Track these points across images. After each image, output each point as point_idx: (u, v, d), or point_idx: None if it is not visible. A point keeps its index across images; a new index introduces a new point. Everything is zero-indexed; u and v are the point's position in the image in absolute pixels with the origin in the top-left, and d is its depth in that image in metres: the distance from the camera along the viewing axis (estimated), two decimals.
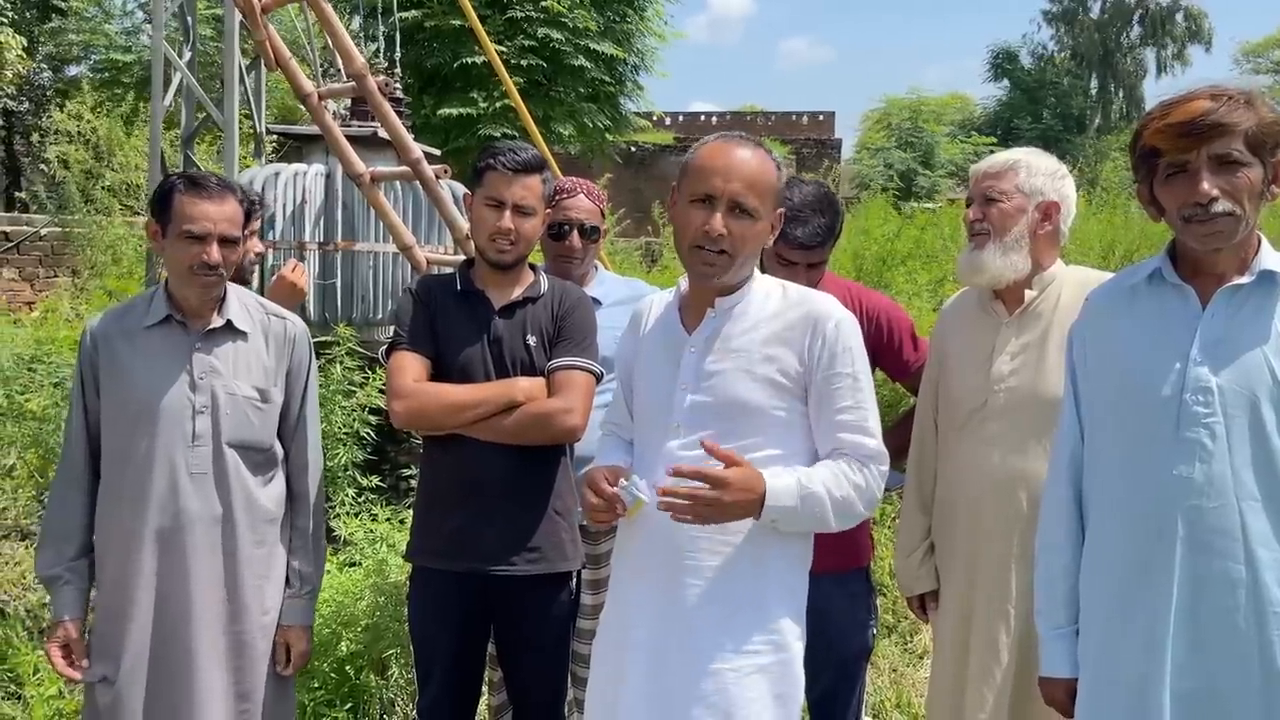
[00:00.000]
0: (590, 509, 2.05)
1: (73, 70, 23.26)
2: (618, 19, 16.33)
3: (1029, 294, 2.42)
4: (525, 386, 2.48)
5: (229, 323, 2.46)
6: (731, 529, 1.96)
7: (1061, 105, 35.50)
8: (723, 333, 2.04)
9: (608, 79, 16.28)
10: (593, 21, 15.52)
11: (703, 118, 34.98)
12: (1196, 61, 37.23)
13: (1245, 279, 1.80)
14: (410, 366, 2.49)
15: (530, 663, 2.60)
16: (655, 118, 24.71)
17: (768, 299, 2.06)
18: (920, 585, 2.63)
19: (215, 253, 2.34)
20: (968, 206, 2.48)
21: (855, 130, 31.35)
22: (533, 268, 2.65)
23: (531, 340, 2.53)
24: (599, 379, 2.57)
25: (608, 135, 17.06)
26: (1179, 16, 37.00)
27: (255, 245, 3.30)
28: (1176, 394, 1.80)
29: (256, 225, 3.28)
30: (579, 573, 2.77)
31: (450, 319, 2.54)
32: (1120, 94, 37.74)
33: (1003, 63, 36.63)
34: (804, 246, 2.67)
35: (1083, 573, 1.96)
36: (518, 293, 2.57)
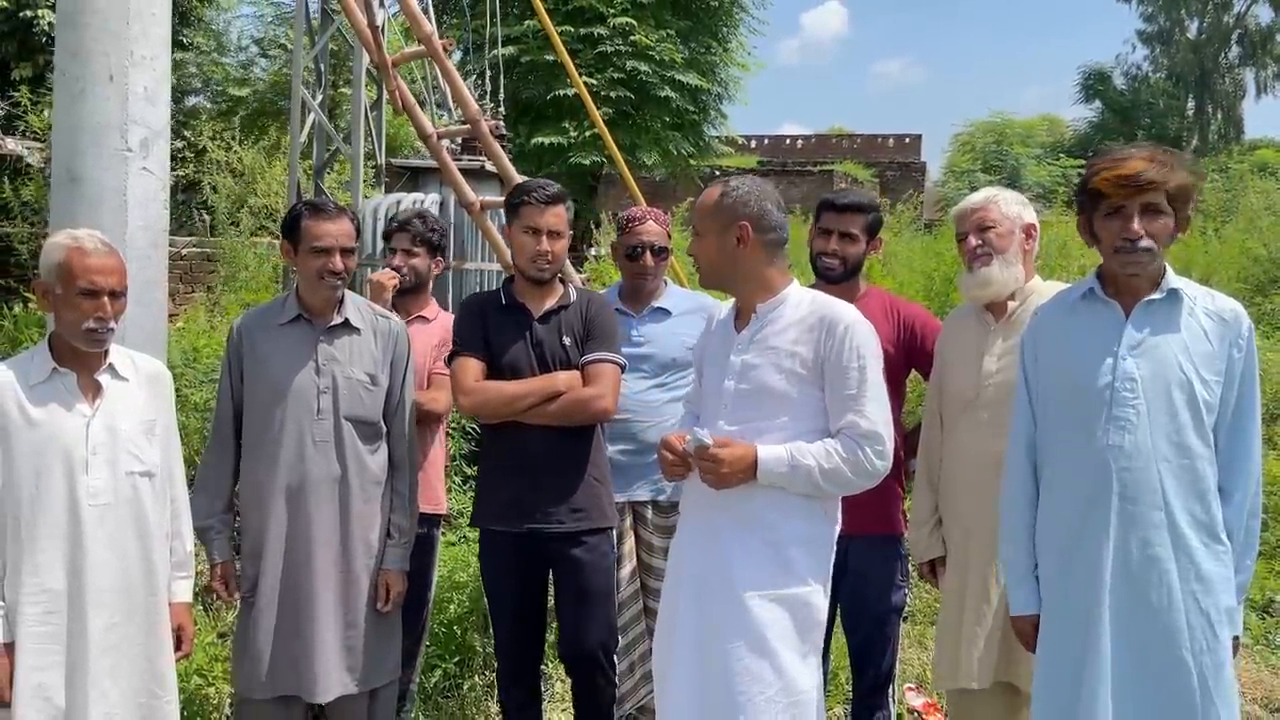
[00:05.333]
0: (667, 465, 2.53)
1: (191, 100, 24.63)
2: (702, 51, 16.80)
3: (1011, 305, 2.91)
4: (565, 379, 2.98)
5: (346, 320, 2.96)
6: (763, 489, 2.43)
7: (1156, 126, 34.68)
8: (761, 334, 2.52)
9: (692, 108, 16.72)
10: (678, 54, 16.00)
11: (788, 141, 35.11)
12: None
13: (1158, 295, 2.33)
14: (471, 368, 3.00)
15: (581, 607, 3.07)
16: (740, 142, 25.08)
17: (798, 306, 2.52)
18: (930, 552, 3.08)
19: (338, 262, 2.89)
20: (960, 241, 2.97)
21: (945, 153, 31.11)
22: (560, 281, 3.14)
23: (567, 340, 3.03)
24: (623, 369, 3.07)
25: (691, 161, 17.54)
26: (1279, 37, 35.98)
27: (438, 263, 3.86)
28: (1109, 383, 2.32)
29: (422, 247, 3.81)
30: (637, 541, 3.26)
31: (498, 327, 3.05)
32: (1218, 115, 36.79)
33: (1094, 84, 35.99)
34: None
35: (1039, 527, 2.46)
36: (551, 302, 3.08)
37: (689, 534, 2.59)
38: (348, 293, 3.01)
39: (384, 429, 3.02)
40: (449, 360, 3.09)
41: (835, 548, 2.54)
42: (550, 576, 3.11)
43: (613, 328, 3.09)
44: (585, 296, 3.14)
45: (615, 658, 3.25)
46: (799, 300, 2.55)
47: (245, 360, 2.95)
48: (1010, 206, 2.91)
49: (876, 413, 2.43)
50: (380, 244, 6.16)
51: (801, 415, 2.47)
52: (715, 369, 2.60)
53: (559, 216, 3.02)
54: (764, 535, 2.44)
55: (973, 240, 2.91)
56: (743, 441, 2.42)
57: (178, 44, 22.31)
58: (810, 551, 2.47)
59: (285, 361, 2.91)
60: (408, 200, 5.90)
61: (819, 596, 2.48)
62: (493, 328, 3.04)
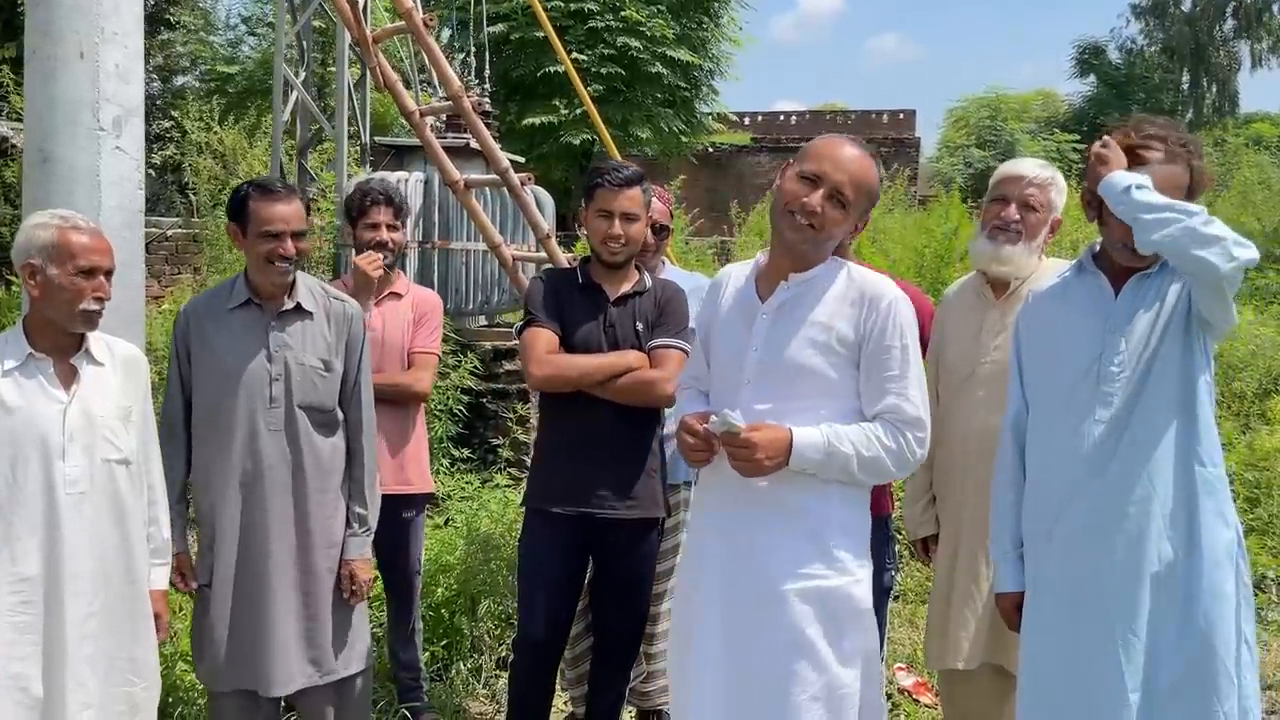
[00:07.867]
0: (689, 450, 2.30)
1: (179, 80, 24.40)
2: (694, 26, 16.73)
3: (1014, 282, 2.86)
4: (635, 357, 2.96)
5: (298, 305, 2.85)
6: (800, 473, 2.22)
7: (1151, 100, 34.55)
8: (792, 304, 2.30)
9: (683, 84, 16.68)
10: (669, 30, 15.93)
11: (781, 117, 34.97)
12: None
13: (1151, 269, 2.29)
14: (544, 339, 2.96)
15: (621, 595, 3.06)
16: (733, 119, 24.96)
17: (833, 278, 2.32)
18: (923, 530, 3.06)
19: (289, 246, 2.78)
20: (999, 202, 2.85)
21: (939, 128, 30.99)
22: (638, 268, 3.12)
23: (639, 326, 3.01)
24: (687, 355, 3.00)
25: (683, 138, 17.45)
26: (1275, 8, 35.82)
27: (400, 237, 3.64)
28: (1097, 357, 2.28)
29: (400, 220, 3.63)
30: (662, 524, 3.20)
31: (573, 305, 3.02)
32: (1213, 88, 36.67)
33: (1089, 58, 35.82)
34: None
35: (1025, 503, 2.43)
36: (627, 287, 3.05)
37: (712, 526, 2.37)
38: (299, 274, 2.92)
39: (340, 416, 2.94)
40: (520, 330, 3.07)
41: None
42: (591, 564, 3.09)
43: (684, 316, 3.07)
44: (661, 284, 3.13)
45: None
46: (833, 271, 2.34)
47: (193, 346, 2.86)
48: (1060, 196, 2.85)
49: (919, 397, 2.26)
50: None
51: (836, 395, 2.27)
52: (733, 339, 2.38)
53: (633, 199, 2.97)
54: (801, 523, 2.25)
55: (1013, 212, 2.81)
56: (774, 423, 2.21)
57: (165, 23, 22.11)
58: (852, 539, 2.30)
59: (236, 348, 2.82)
60: (391, 179, 5.82)
61: (862, 587, 2.28)
62: (567, 305, 3.02)
